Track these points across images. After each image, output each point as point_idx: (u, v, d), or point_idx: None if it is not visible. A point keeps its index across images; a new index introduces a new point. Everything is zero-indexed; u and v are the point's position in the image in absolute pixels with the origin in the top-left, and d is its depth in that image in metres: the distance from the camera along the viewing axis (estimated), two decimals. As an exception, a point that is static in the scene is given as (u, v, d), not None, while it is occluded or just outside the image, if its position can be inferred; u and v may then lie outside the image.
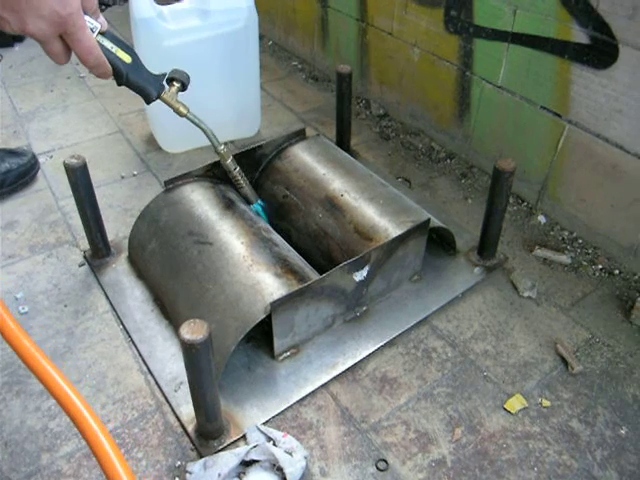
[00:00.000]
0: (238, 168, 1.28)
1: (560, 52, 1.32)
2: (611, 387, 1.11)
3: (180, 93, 1.13)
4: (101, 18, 0.86)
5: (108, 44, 0.91)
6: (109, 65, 0.88)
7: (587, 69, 1.28)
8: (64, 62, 0.80)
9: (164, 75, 1.09)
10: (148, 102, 1.07)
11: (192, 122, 1.17)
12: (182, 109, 1.14)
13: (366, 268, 1.13)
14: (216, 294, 1.08)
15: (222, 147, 1.24)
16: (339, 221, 1.24)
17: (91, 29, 0.83)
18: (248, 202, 1.32)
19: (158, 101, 1.09)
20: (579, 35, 1.27)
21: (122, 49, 0.94)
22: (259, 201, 1.34)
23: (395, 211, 1.24)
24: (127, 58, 0.96)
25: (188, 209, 1.24)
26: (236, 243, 1.15)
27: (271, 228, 1.25)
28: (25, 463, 0.99)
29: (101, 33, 0.88)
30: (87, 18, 0.81)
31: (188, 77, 1.14)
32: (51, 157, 1.73)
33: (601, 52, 1.24)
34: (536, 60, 1.38)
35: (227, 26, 1.58)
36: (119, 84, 0.98)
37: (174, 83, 1.12)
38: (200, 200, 1.25)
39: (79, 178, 1.20)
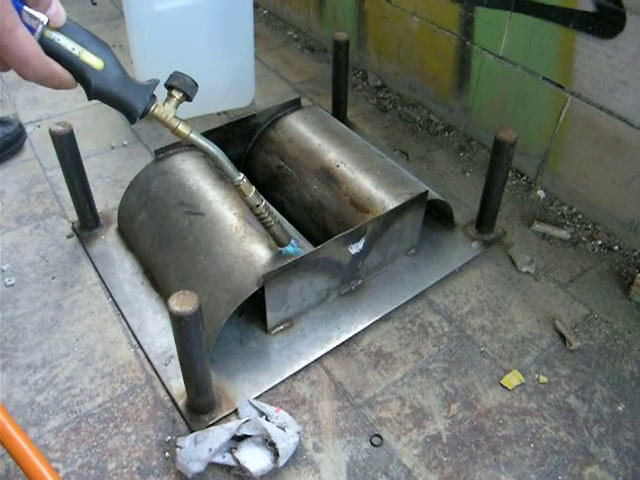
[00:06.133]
0: (265, 202, 0.99)
1: (565, 21, 1.28)
2: (609, 364, 1.10)
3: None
4: (54, 6, 0.57)
5: (68, 44, 0.62)
6: (66, 74, 0.59)
7: (592, 39, 1.24)
8: (5, 70, 0.54)
9: (155, 82, 0.76)
10: (132, 121, 0.76)
11: (197, 145, 0.88)
12: (182, 129, 0.83)
13: (362, 240, 1.10)
14: (207, 266, 1.05)
15: (240, 177, 0.94)
16: (335, 193, 1.21)
17: (29, 26, 0.55)
18: (279, 244, 1.04)
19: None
20: (585, 3, 1.22)
21: (89, 49, 0.65)
22: (292, 242, 1.05)
23: (392, 183, 1.20)
24: (97, 63, 0.66)
25: (179, 179, 1.20)
26: (228, 214, 1.12)
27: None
28: (11, 437, 0.97)
29: (54, 28, 0.60)
30: (27, 10, 0.54)
31: (194, 84, 0.83)
32: (39, 127, 1.68)
33: (607, 21, 1.19)
34: (539, 29, 1.34)
35: (220, -9, 1.52)
36: (89, 98, 0.70)
37: (174, 93, 0.82)
38: (191, 170, 1.21)
39: (65, 146, 1.15)
